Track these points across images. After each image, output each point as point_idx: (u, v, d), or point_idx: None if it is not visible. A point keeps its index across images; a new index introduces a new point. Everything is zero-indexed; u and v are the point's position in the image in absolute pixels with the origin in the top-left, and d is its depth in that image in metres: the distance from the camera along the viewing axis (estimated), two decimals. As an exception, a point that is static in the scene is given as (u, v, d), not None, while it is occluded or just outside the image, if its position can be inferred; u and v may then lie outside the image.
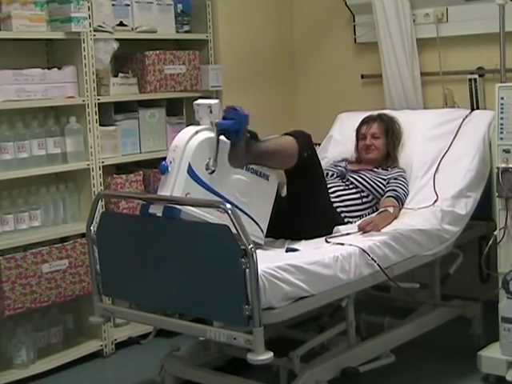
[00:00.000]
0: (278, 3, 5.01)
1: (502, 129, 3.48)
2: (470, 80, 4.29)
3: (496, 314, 3.48)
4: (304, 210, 3.48)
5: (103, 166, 4.00)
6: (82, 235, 3.73)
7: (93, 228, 3.26)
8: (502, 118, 3.48)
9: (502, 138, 3.48)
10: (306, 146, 3.43)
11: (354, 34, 4.82)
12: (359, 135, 4.14)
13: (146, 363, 3.80)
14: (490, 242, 3.57)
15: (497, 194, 3.50)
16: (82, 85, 3.89)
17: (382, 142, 4.06)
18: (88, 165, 3.93)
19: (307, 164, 3.42)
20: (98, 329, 3.99)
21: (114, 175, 4.08)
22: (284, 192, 3.68)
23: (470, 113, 4.13)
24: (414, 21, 4.44)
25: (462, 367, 3.62)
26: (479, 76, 4.28)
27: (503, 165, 3.46)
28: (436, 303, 3.80)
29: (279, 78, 5.02)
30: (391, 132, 4.10)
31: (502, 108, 3.48)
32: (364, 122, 4.15)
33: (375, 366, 3.36)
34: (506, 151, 3.46)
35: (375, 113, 4.21)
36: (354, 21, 4.80)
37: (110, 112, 4.11)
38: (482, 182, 3.89)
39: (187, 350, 3.52)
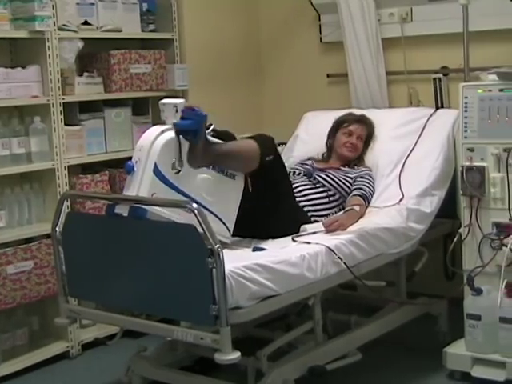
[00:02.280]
0: (243, 2, 5.01)
1: (465, 127, 3.51)
2: (434, 79, 4.32)
3: (461, 310, 3.51)
4: (270, 210, 3.48)
5: (68, 166, 3.97)
6: (48, 236, 3.70)
7: (58, 228, 3.24)
8: (465, 117, 3.51)
9: (466, 137, 3.52)
10: (268, 150, 3.40)
11: (320, 34, 4.84)
12: (345, 129, 4.10)
13: (113, 364, 3.78)
14: (455, 240, 3.60)
15: (461, 192, 3.54)
16: (46, 84, 3.86)
17: (362, 145, 4.09)
18: (53, 165, 3.90)
19: (269, 168, 3.39)
20: (64, 330, 3.95)
21: (80, 175, 4.06)
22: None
23: (435, 112, 4.16)
24: (378, 20, 4.47)
25: (427, 364, 3.65)
26: (443, 75, 4.31)
27: (467, 163, 3.50)
28: (402, 301, 3.83)
29: (245, 78, 5.02)
30: (370, 138, 4.12)
31: (465, 107, 3.51)
32: (355, 120, 4.13)
33: (342, 364, 3.38)
34: (470, 149, 3.50)
35: (360, 112, 4.22)
36: (319, 20, 4.81)
37: (75, 111, 4.08)
38: (446, 180, 3.92)
39: (154, 351, 3.51)
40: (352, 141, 4.06)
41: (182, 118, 3.15)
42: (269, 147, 3.42)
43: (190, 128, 3.12)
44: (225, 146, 3.32)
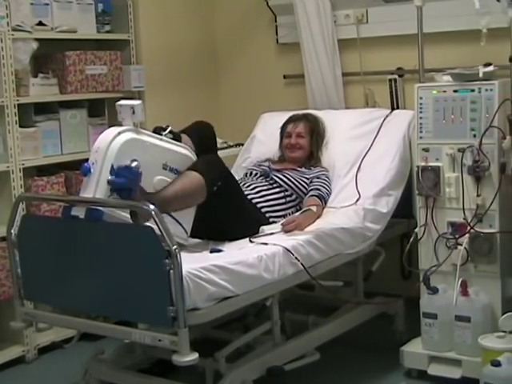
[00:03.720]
0: (199, 4, 5.00)
1: (421, 128, 3.55)
2: (389, 80, 4.36)
3: (417, 309, 3.55)
4: (228, 212, 3.47)
5: (23, 168, 3.92)
6: (3, 239, 3.65)
7: (13, 231, 3.20)
8: (421, 118, 3.55)
9: (421, 137, 3.56)
10: (215, 179, 3.33)
11: (276, 35, 4.85)
12: (284, 133, 4.16)
13: (71, 368, 3.74)
14: (411, 240, 3.64)
15: (417, 192, 3.57)
16: (0, 85, 3.80)
17: (307, 142, 4.10)
18: (8, 167, 3.85)
19: (219, 194, 3.34)
20: (20, 334, 3.90)
21: (35, 177, 4.02)
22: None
23: (391, 112, 4.19)
24: (334, 22, 4.49)
25: (385, 363, 3.68)
26: (399, 76, 4.35)
27: (423, 163, 3.53)
28: (359, 301, 3.85)
29: (202, 79, 5.02)
30: (316, 132, 4.14)
31: (420, 108, 3.55)
32: (290, 120, 4.18)
33: (300, 364, 3.39)
34: (426, 150, 3.53)
35: (301, 112, 4.24)
36: (275, 21, 4.83)
37: (30, 113, 4.04)
38: (402, 180, 3.95)
39: (112, 353, 3.49)
40: (291, 141, 4.10)
41: (117, 176, 3.05)
42: (215, 176, 3.34)
43: (125, 186, 3.04)
44: (167, 192, 3.22)
